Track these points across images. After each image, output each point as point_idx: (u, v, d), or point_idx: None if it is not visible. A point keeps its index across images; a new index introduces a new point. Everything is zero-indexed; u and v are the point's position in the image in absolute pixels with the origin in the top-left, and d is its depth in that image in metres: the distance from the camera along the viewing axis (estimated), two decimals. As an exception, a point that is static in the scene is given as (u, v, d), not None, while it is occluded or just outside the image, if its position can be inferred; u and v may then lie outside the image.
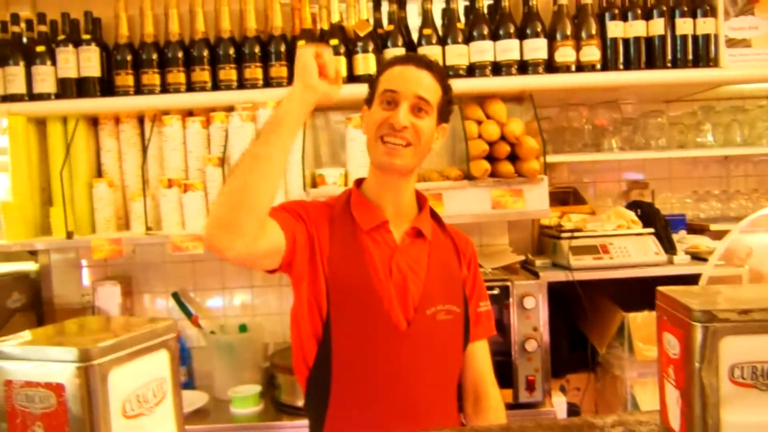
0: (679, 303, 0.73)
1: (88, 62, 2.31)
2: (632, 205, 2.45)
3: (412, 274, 1.34)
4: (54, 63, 2.30)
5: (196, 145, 2.35)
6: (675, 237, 2.35)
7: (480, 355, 1.44)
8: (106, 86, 2.34)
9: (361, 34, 2.32)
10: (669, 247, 2.25)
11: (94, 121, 2.43)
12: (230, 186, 1.17)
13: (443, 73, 1.40)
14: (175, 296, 2.51)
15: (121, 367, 0.70)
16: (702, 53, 2.34)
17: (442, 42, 2.32)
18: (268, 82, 2.32)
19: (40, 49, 2.30)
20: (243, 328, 2.45)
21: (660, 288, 0.79)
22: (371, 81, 1.42)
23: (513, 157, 2.25)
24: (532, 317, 2.08)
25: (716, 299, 0.73)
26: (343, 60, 2.30)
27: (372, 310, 1.29)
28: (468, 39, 2.32)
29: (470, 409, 1.42)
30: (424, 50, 2.28)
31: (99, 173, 2.42)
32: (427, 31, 2.33)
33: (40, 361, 0.67)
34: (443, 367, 1.37)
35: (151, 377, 0.75)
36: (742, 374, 0.69)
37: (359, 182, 1.46)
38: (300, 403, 1.99)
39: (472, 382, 1.43)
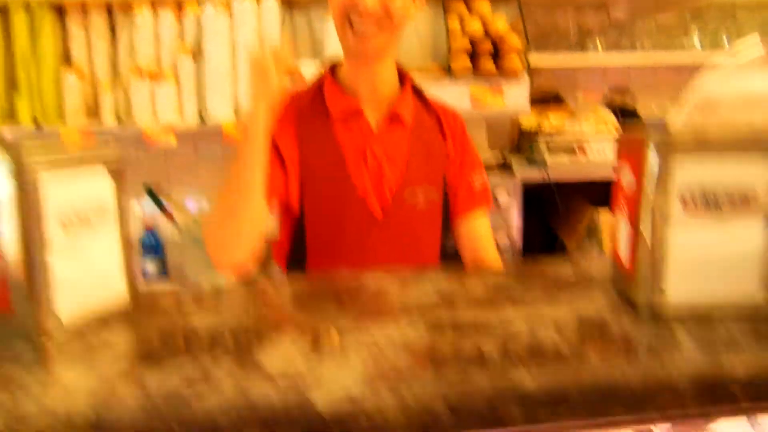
0: (637, 132, 0.71)
1: (52, -58, 2.18)
2: (614, 110, 2.42)
3: (388, 161, 1.28)
4: (16, -57, 2.18)
5: (168, 36, 2.27)
6: (654, 143, 2.33)
7: (479, 229, 1.36)
8: (72, -30, 2.22)
9: None
10: (647, 151, 2.24)
11: (59, 11, 2.32)
12: (220, 212, 1.15)
13: None
14: (149, 191, 2.48)
15: (56, 172, 0.67)
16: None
17: (426, -69, 2.21)
18: (243, -31, 2.21)
19: (0, -74, 2.17)
20: (218, 225, 2.44)
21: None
22: None
23: (495, 56, 2.20)
24: (506, 214, 2.09)
25: (674, 127, 0.71)
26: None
27: (347, 199, 1.25)
28: (453, -71, 2.21)
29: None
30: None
31: (68, 63, 2.33)
32: None
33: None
34: (419, 256, 1.34)
35: (92, 197, 0.72)
36: (693, 198, 0.68)
37: (333, 67, 1.35)
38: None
39: (472, 260, 1.36)
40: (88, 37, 2.32)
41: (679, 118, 0.74)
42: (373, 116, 1.30)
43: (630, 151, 0.74)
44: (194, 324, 0.71)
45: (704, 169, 0.68)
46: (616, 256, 0.79)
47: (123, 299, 0.76)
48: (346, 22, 1.18)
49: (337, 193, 1.25)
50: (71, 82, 2.24)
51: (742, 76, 0.78)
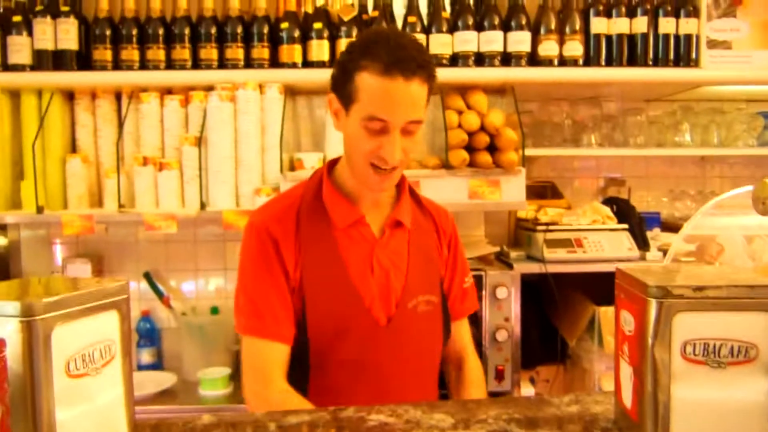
0: (636, 280, 0.73)
1: (65, 34, 2.27)
2: (608, 202, 2.47)
3: (394, 269, 1.29)
4: (30, 34, 2.26)
5: (173, 123, 2.33)
6: (649, 234, 2.37)
7: (463, 329, 1.45)
8: (84, 60, 2.30)
9: (345, 19, 2.31)
10: (642, 244, 2.27)
11: (69, 96, 2.39)
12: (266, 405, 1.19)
13: (431, 69, 1.19)
14: (147, 276, 2.48)
15: (67, 324, 0.68)
16: (683, 53, 2.35)
17: (427, 30, 2.31)
18: (249, 63, 2.30)
19: (17, 18, 2.26)
20: (215, 311, 2.43)
21: (619, 266, 0.79)
22: (344, 77, 1.19)
23: (492, 149, 2.25)
24: (504, 308, 2.09)
25: (673, 277, 0.73)
26: (326, 44, 2.29)
27: (351, 309, 1.24)
28: (452, 28, 2.31)
29: (453, 380, 1.43)
30: (407, 37, 2.26)
31: (73, 149, 2.38)
32: (411, 19, 2.32)
33: (-19, 315, 0.65)
34: (422, 357, 1.34)
35: (98, 337, 0.73)
36: (693, 351, 0.69)
37: (331, 165, 1.35)
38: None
39: (456, 355, 1.43)
40: (95, 123, 2.37)
41: (676, 252, 0.76)
42: (374, 223, 1.31)
43: (630, 298, 0.75)
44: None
45: (705, 324, 0.69)
46: (618, 397, 0.80)
47: (123, 439, 0.76)
48: (369, 164, 1.20)
49: (341, 303, 1.25)
50: (76, 167, 2.28)
51: (735, 217, 0.81)
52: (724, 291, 0.69)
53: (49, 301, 0.66)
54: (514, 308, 2.10)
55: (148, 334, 2.43)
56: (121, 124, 2.34)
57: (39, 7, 2.27)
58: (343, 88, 1.20)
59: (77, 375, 0.70)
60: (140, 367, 2.37)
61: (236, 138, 2.28)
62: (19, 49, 2.25)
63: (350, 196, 1.30)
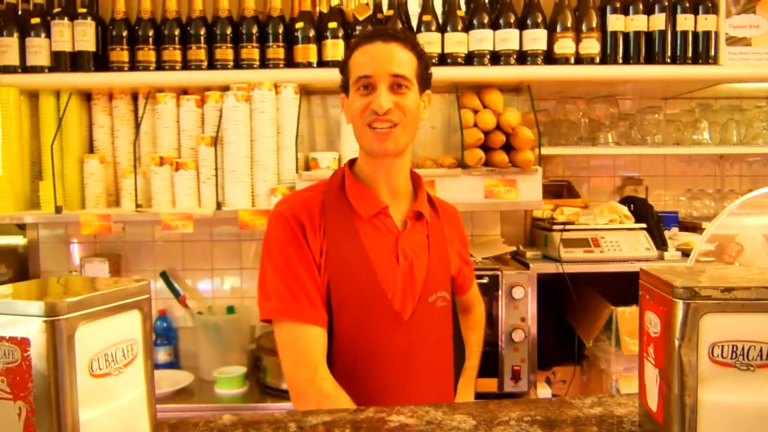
0: (662, 280, 0.72)
1: (83, 36, 2.29)
2: (626, 201, 2.44)
3: (417, 260, 1.31)
4: (48, 36, 2.28)
5: (189, 123, 2.34)
6: (667, 234, 2.34)
7: (473, 289, 1.59)
8: (101, 61, 2.32)
9: (360, 18, 2.31)
10: (660, 243, 2.24)
11: (87, 96, 2.41)
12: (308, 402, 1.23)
13: (413, 41, 1.32)
14: (164, 275, 2.50)
15: (90, 324, 0.68)
16: (702, 50, 2.32)
17: (442, 29, 2.31)
18: (264, 63, 2.30)
19: (35, 21, 2.28)
20: (231, 310, 2.44)
21: (644, 266, 0.77)
22: (342, 66, 1.33)
23: (508, 148, 2.24)
24: (521, 308, 2.08)
25: (699, 278, 0.71)
26: (341, 44, 2.29)
27: (375, 302, 1.26)
28: (468, 27, 2.30)
29: (462, 320, 1.59)
30: (423, 37, 2.26)
31: (91, 149, 2.40)
32: (426, 18, 2.31)
33: (5, 315, 0.66)
34: (440, 351, 1.37)
35: (121, 337, 0.73)
36: (721, 353, 0.68)
37: (351, 163, 1.39)
38: (284, 385, 1.98)
39: (465, 304, 1.59)
40: (111, 123, 2.39)
41: (700, 254, 0.75)
42: (395, 215, 1.33)
43: (655, 299, 0.74)
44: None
45: (733, 325, 0.68)
46: (643, 400, 0.79)
47: (145, 438, 0.76)
48: (366, 125, 1.26)
49: (365, 294, 1.26)
50: (93, 168, 2.30)
51: (756, 217, 0.80)
52: (753, 292, 0.67)
53: (73, 300, 0.66)
54: (531, 308, 2.09)
55: (165, 333, 2.45)
56: (137, 125, 2.35)
57: (57, 9, 2.29)
58: (344, 78, 1.33)
59: (100, 375, 0.70)
60: (157, 366, 2.38)
61: (252, 138, 2.28)
62: (38, 50, 2.27)
63: (370, 186, 1.33)
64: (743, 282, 0.69)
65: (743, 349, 0.68)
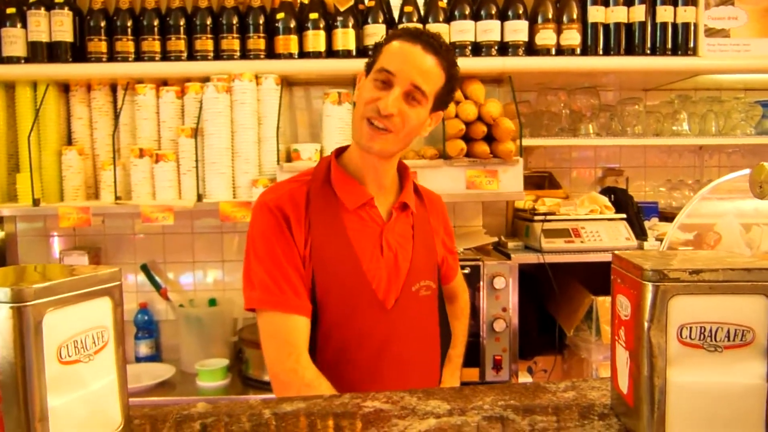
0: (633, 264, 0.72)
1: (60, 26, 2.25)
2: (606, 191, 2.46)
3: (401, 250, 1.32)
4: (24, 26, 2.25)
5: (169, 115, 2.32)
6: (647, 224, 2.36)
7: (458, 278, 1.61)
8: (79, 52, 2.29)
9: (342, 9, 2.29)
10: (640, 233, 2.26)
11: (65, 88, 2.38)
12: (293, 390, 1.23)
13: (450, 61, 1.29)
14: (144, 268, 2.48)
15: (58, 310, 0.67)
16: (681, 42, 2.34)
17: (423, 20, 2.30)
18: (244, 54, 2.29)
19: (11, 11, 2.24)
20: (212, 302, 2.43)
21: (616, 251, 0.78)
22: (376, 46, 1.31)
23: (489, 139, 2.25)
24: (502, 298, 2.09)
25: (669, 261, 0.72)
26: (322, 35, 2.27)
27: (359, 292, 1.27)
28: (449, 18, 2.30)
29: (449, 309, 1.56)
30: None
31: (69, 141, 2.37)
32: (408, 9, 2.30)
33: (-29, 302, 0.65)
34: (424, 340, 1.37)
35: (91, 324, 0.72)
36: (690, 335, 0.68)
37: (338, 153, 1.39)
38: (267, 377, 1.97)
39: (451, 293, 1.59)
40: (90, 115, 2.36)
41: (672, 242, 0.76)
42: (381, 206, 1.34)
43: (626, 282, 0.75)
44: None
45: (701, 307, 0.68)
46: (615, 383, 0.79)
47: (117, 425, 0.75)
48: (365, 117, 1.25)
49: (349, 283, 1.27)
50: (72, 160, 2.27)
51: (731, 202, 0.81)
52: (721, 274, 0.68)
53: (40, 287, 0.66)
54: (512, 298, 2.10)
55: (146, 326, 2.43)
56: (116, 116, 2.33)
57: (33, -1, 2.26)
58: (371, 59, 1.30)
59: (69, 362, 0.69)
60: (138, 359, 2.37)
61: (233, 129, 2.27)
62: (14, 41, 2.24)
63: (357, 177, 1.33)
64: (712, 264, 0.70)
65: (711, 330, 0.68)
